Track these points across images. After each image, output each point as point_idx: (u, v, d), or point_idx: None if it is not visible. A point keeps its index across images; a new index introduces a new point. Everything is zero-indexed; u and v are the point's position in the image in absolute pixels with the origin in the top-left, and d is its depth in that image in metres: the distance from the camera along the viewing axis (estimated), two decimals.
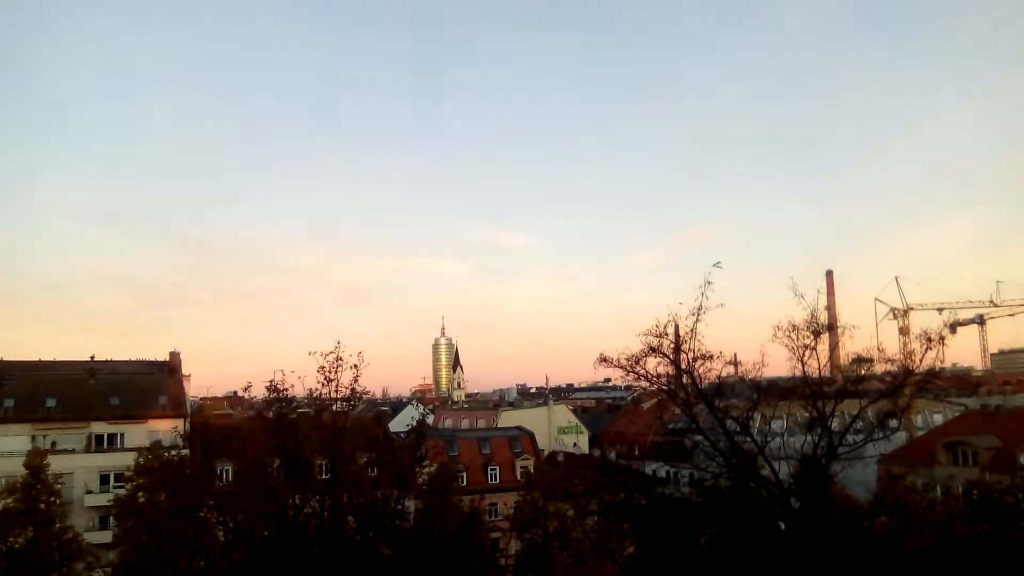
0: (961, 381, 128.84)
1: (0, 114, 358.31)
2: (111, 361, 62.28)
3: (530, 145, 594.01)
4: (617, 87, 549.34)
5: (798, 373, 22.32)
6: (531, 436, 71.50)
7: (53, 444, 49.61)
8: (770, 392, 24.71)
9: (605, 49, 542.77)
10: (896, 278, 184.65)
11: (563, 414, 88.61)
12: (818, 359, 21.92)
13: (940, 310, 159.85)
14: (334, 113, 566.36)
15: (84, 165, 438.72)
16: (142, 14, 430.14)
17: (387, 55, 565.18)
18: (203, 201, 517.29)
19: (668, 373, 23.03)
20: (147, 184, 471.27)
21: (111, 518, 39.46)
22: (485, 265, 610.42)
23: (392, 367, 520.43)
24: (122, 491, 37.32)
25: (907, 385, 22.16)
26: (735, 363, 25.42)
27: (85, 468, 50.55)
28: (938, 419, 69.86)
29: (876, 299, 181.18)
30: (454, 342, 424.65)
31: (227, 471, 34.71)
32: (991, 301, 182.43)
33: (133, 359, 63.50)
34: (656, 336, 22.05)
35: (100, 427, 52.85)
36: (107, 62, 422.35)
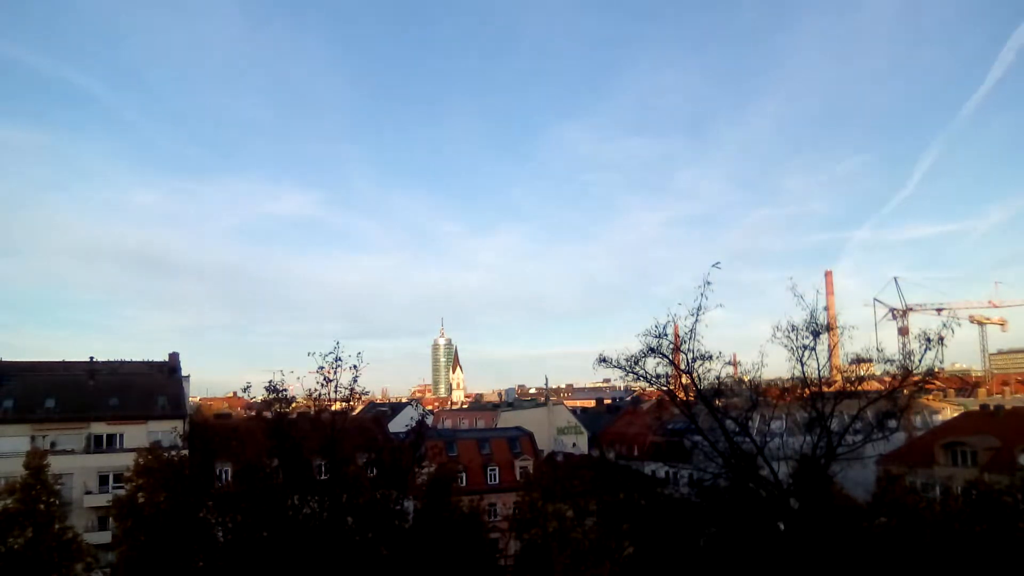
0: (960, 381, 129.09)
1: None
2: (110, 362, 62.27)
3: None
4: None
5: (797, 373, 22.33)
6: (530, 437, 71.50)
7: (52, 444, 49.56)
8: (769, 392, 24.72)
9: None
10: (895, 278, 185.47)
11: (562, 414, 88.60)
12: (817, 359, 21.95)
13: (939, 310, 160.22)
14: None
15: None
16: None
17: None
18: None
19: (667, 373, 23.03)
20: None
21: (110, 519, 39.38)
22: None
23: (391, 368, 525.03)
24: (121, 492, 37.18)
25: (906, 385, 22.16)
26: (734, 363, 25.48)
27: (84, 469, 50.51)
28: (937, 419, 69.84)
29: (875, 299, 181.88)
30: (453, 343, 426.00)
31: (226, 472, 34.69)
32: (990, 301, 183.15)
33: (132, 359, 63.56)
34: (655, 336, 22.09)
35: (99, 428, 52.78)
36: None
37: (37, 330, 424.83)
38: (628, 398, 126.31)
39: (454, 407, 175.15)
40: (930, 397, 69.58)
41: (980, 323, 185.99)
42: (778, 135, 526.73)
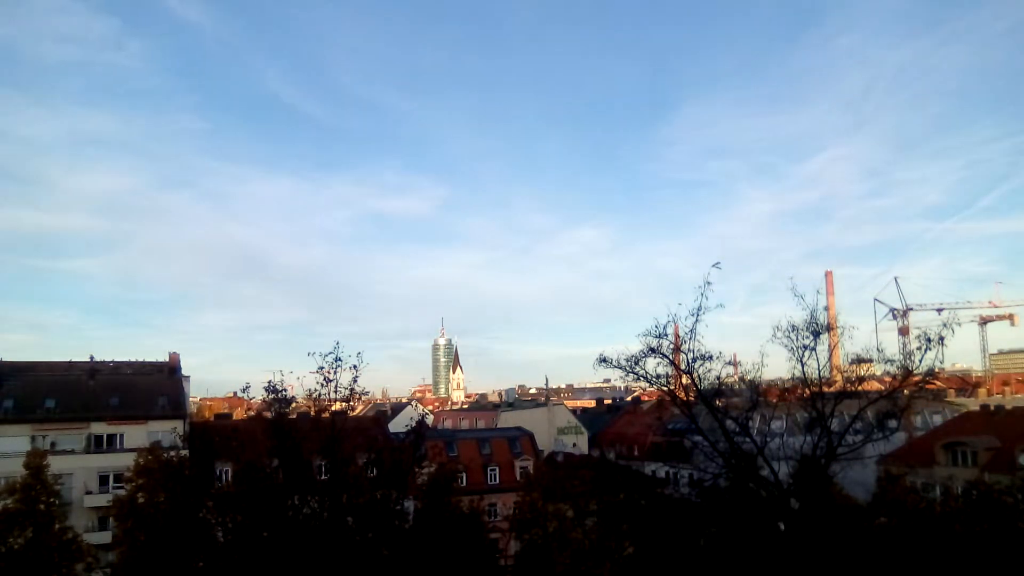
0: (960, 381, 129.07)
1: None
2: (111, 362, 62.28)
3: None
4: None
5: (797, 374, 22.33)
6: (530, 437, 71.50)
7: (53, 445, 49.56)
8: (769, 392, 24.72)
9: None
10: (896, 278, 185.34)
11: (562, 415, 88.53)
12: (817, 359, 21.94)
13: (939, 310, 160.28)
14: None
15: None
16: None
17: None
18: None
19: (668, 373, 23.03)
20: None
21: (110, 519, 39.42)
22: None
23: (391, 368, 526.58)
24: (121, 492, 37.23)
25: (906, 386, 22.15)
26: (735, 363, 25.48)
27: (85, 469, 50.52)
28: (937, 419, 69.81)
29: (876, 299, 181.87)
30: (453, 343, 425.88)
31: (226, 472, 34.67)
32: (990, 302, 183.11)
33: (133, 360, 63.57)
34: (655, 337, 22.09)
35: (99, 428, 52.79)
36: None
37: (96, 330, 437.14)
38: (628, 398, 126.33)
39: (453, 407, 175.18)
40: (930, 397, 69.45)
41: (985, 321, 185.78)
42: (931, 114, 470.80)
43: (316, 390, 25.34)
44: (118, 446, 52.10)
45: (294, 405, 27.50)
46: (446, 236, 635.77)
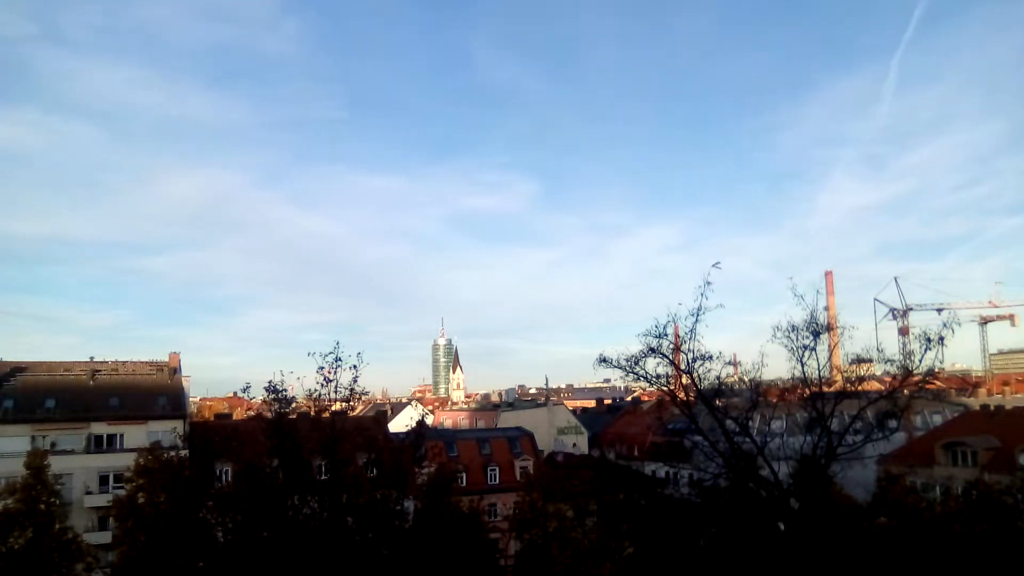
0: (960, 381, 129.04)
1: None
2: (111, 362, 62.31)
3: None
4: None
5: (797, 374, 22.34)
6: (530, 437, 71.50)
7: (53, 445, 49.55)
8: (769, 392, 24.72)
9: None
10: (896, 278, 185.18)
11: (562, 415, 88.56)
12: (817, 359, 21.95)
13: (939, 310, 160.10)
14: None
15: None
16: None
17: None
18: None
19: (667, 373, 23.03)
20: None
21: (110, 519, 39.44)
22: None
23: (391, 368, 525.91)
24: (121, 492, 37.25)
25: (906, 386, 22.16)
26: (735, 363, 25.49)
27: (85, 469, 50.55)
28: (937, 419, 69.81)
29: (876, 299, 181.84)
30: (453, 343, 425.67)
31: (226, 472, 34.67)
32: (990, 301, 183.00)
33: (133, 360, 63.55)
34: (655, 337, 22.10)
35: (100, 428, 52.82)
36: None
37: (149, 330, 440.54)
38: (628, 398, 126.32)
39: (453, 407, 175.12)
40: (930, 397, 69.58)
41: (985, 321, 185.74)
42: None
43: (316, 390, 25.39)
44: (118, 446, 52.11)
45: (294, 405, 27.53)
46: (528, 235, 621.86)
